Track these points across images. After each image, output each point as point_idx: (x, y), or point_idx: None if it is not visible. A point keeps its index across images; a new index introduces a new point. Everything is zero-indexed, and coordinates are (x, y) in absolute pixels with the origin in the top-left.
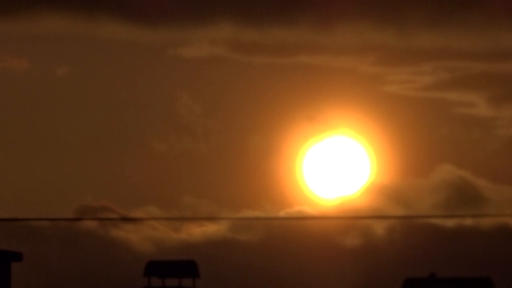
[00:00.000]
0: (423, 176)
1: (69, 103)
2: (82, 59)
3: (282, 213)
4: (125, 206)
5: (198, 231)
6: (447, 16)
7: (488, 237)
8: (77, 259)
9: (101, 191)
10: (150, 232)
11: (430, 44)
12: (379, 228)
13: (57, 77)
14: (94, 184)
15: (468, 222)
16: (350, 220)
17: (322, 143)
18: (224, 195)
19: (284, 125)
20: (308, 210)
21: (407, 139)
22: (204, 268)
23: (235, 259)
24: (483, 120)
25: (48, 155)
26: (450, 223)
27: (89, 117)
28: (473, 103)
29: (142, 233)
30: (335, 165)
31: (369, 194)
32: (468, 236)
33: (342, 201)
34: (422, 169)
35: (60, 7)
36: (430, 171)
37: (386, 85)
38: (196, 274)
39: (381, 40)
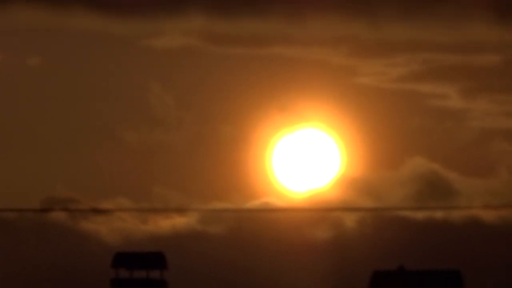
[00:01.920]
0: (394, 168)
1: (40, 93)
2: (54, 50)
3: (249, 205)
4: (95, 198)
5: (167, 223)
6: (419, 8)
7: (458, 229)
8: (45, 250)
9: (70, 182)
10: (119, 224)
11: (403, 36)
12: (349, 220)
13: (29, 68)
14: (63, 175)
15: (438, 214)
16: (320, 213)
17: (293, 135)
18: (195, 186)
19: (256, 116)
20: (275, 202)
21: (378, 131)
22: (172, 260)
23: (203, 251)
24: (456, 112)
25: (17, 145)
26: (420, 215)
27: (60, 108)
28: (445, 95)
29: (111, 225)
30: (306, 157)
31: (340, 187)
32: (438, 229)
33: (312, 194)
34: (393, 161)
35: None
36: (401, 164)
37: (358, 77)
38: (164, 265)
39: (353, 31)
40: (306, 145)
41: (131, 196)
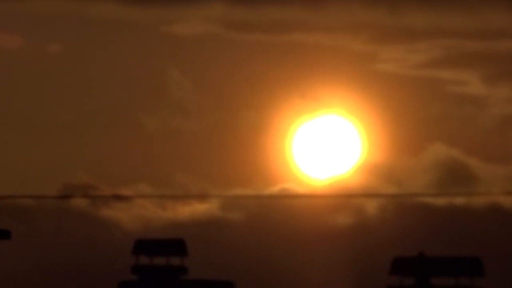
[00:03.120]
0: (414, 155)
1: (61, 80)
2: (75, 37)
3: (270, 191)
4: (115, 184)
5: (188, 210)
6: None
7: (478, 216)
8: (66, 237)
9: (91, 168)
10: (140, 211)
11: (424, 23)
12: (370, 207)
13: (50, 54)
14: (83, 161)
15: (459, 201)
16: (341, 199)
17: (314, 121)
18: (215, 172)
19: (276, 102)
20: (296, 188)
21: (399, 117)
22: (192, 247)
23: (224, 237)
24: (476, 99)
25: (37, 131)
26: (441, 202)
27: (80, 94)
28: (466, 82)
29: (132, 212)
30: (326, 144)
31: (361, 173)
32: (458, 215)
33: (333, 180)
34: (414, 148)
35: None
36: (421, 150)
37: (378, 63)
38: (184, 252)
39: (374, 18)
40: (327, 131)
41: (151, 183)
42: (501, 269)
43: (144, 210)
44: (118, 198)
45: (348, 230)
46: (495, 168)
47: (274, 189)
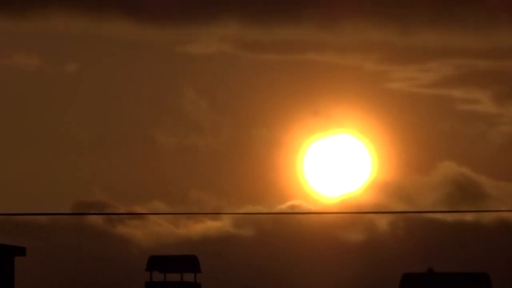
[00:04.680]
0: (425, 173)
1: (78, 99)
2: (92, 57)
3: (281, 208)
4: (131, 201)
5: (201, 226)
6: (450, 15)
7: (487, 233)
8: (80, 253)
9: (106, 185)
10: (154, 228)
11: (435, 42)
12: (381, 224)
13: (67, 74)
14: (98, 178)
15: (468, 218)
16: (352, 216)
17: (325, 139)
18: (228, 189)
19: (289, 120)
20: (307, 205)
21: (410, 136)
22: (205, 263)
23: (236, 254)
24: (487, 117)
25: (56, 149)
26: (450, 218)
27: (97, 112)
28: (477, 100)
29: (146, 229)
30: (338, 162)
31: (371, 191)
32: (467, 232)
33: (344, 198)
34: (424, 166)
35: (70, 6)
36: (432, 168)
37: (390, 82)
38: (198, 269)
39: (385, 37)
40: (338, 149)
41: (166, 200)
42: (509, 284)
43: (158, 227)
44: (132, 215)
45: (358, 247)
46: (505, 186)
47: (285, 206)
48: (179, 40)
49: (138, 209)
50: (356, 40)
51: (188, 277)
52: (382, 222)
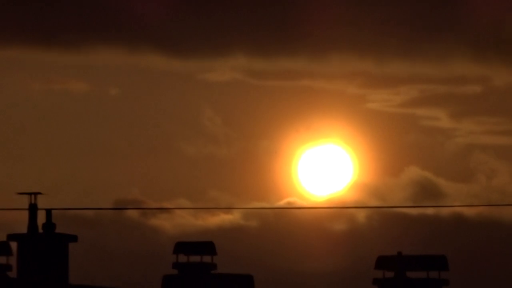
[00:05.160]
0: (395, 175)
1: (119, 117)
2: (130, 83)
3: (279, 204)
4: (160, 199)
5: (216, 219)
6: (416, 48)
7: (445, 224)
8: (120, 240)
9: (141, 186)
10: (179, 220)
11: (404, 71)
12: (360, 217)
13: (111, 97)
14: (135, 180)
15: (430, 211)
16: (337, 210)
17: (316, 148)
18: (239, 189)
19: (287, 134)
20: (301, 202)
21: (383, 145)
22: (220, 248)
23: (245, 240)
24: (445, 131)
25: (101, 158)
26: (415, 212)
27: (134, 128)
28: (437, 117)
29: (173, 221)
30: (326, 167)
31: (353, 190)
32: (429, 223)
33: (331, 196)
34: (395, 170)
35: (113, 42)
36: (401, 172)
37: (368, 103)
38: (214, 252)
39: (364, 67)
40: (326, 157)
41: (189, 197)
42: (463, 265)
43: (182, 220)
44: (162, 210)
45: (342, 235)
46: (459, 186)
47: (283, 202)
48: (199, 70)
49: (166, 204)
50: (341, 69)
51: (206, 259)
52: (361, 216)
